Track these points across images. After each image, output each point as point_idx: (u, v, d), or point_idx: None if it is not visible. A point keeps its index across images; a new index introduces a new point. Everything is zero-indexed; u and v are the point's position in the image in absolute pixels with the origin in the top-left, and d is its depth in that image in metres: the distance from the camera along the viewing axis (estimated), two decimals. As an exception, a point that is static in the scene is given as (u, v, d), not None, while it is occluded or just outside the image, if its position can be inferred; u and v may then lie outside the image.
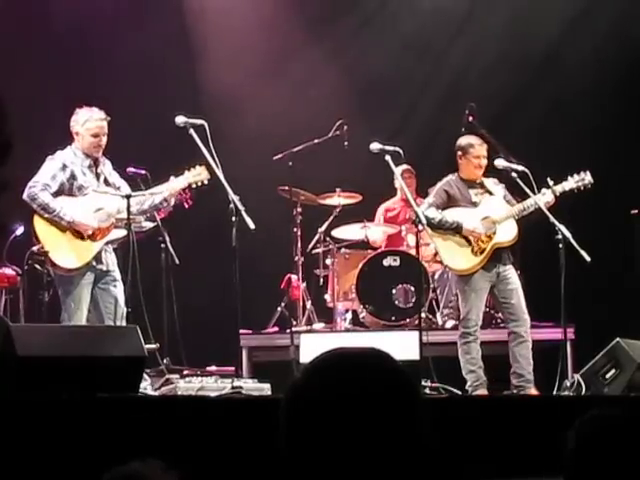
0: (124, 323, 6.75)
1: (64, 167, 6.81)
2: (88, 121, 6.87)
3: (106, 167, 7.05)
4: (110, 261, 6.96)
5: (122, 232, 6.96)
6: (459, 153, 7.39)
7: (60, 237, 6.77)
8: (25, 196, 6.73)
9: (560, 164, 9.17)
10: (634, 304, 8.49)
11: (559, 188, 7.24)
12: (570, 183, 7.29)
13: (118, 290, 6.89)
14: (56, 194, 6.78)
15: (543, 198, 7.16)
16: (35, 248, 6.89)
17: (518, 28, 9.91)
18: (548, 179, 7.23)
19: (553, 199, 7.19)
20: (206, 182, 6.96)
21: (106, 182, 7.00)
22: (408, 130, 9.90)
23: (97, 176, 6.97)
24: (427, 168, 9.34)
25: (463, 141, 7.44)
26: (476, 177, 7.39)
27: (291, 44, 10.05)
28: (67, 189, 6.82)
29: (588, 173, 7.31)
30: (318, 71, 10.28)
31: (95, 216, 6.86)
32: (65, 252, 6.79)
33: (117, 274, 6.95)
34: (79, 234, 6.83)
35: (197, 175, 6.95)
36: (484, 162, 7.35)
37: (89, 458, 4.23)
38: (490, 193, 7.39)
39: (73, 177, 6.83)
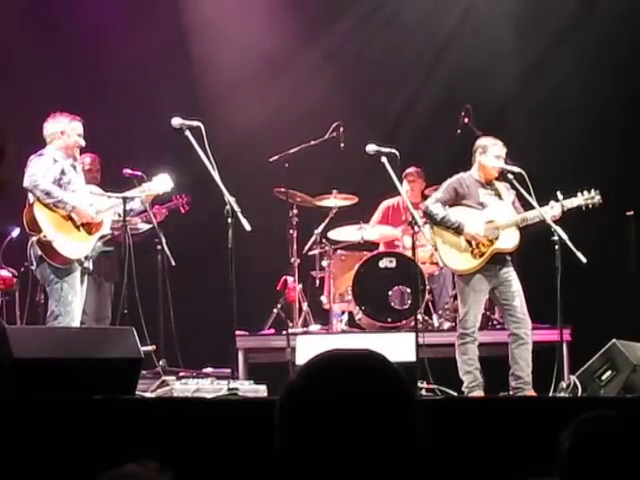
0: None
1: (55, 161, 6.95)
2: (73, 121, 7.10)
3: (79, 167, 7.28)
4: (91, 260, 7.11)
5: (107, 229, 7.18)
6: (479, 150, 7.34)
7: (62, 226, 6.85)
8: (27, 184, 6.79)
9: (556, 166, 9.22)
10: (630, 305, 8.50)
11: (567, 203, 7.23)
12: (579, 200, 7.28)
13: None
14: None
15: (550, 211, 7.15)
16: (35, 238, 6.76)
17: (517, 27, 9.92)
18: (558, 193, 7.21)
19: (560, 213, 7.19)
20: (165, 191, 7.37)
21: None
22: (405, 132, 9.91)
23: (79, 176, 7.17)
24: (423, 170, 9.37)
25: (479, 142, 7.40)
26: (491, 178, 7.35)
27: (287, 46, 10.06)
28: (57, 183, 6.90)
29: (598, 192, 7.30)
30: (314, 72, 10.29)
31: (89, 209, 7.01)
32: (68, 242, 6.86)
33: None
34: (76, 226, 6.92)
35: (163, 184, 7.30)
36: (501, 163, 7.29)
37: (85, 460, 4.23)
38: (500, 197, 7.35)
39: (63, 172, 6.97)
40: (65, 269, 6.82)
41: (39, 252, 6.79)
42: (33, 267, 6.94)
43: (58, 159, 6.97)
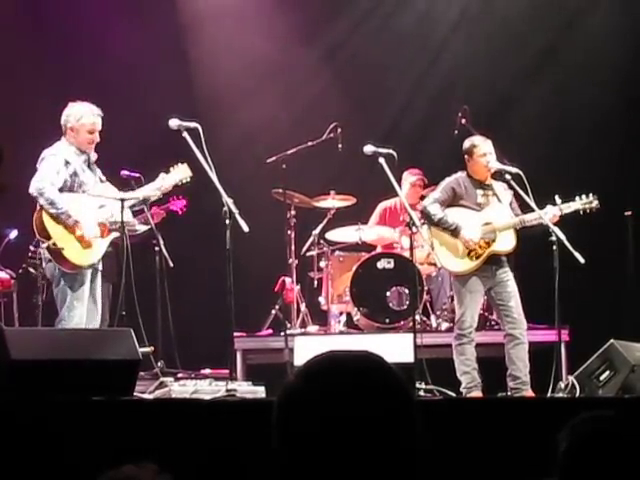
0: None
1: (67, 163, 6.79)
2: (84, 117, 6.88)
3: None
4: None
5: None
6: (466, 156, 7.37)
7: (71, 233, 6.74)
8: (32, 190, 6.66)
9: (555, 167, 9.23)
10: (628, 306, 8.50)
11: (565, 207, 7.23)
12: (577, 204, 7.28)
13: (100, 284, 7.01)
14: (60, 190, 6.73)
15: (548, 213, 7.16)
16: (45, 245, 6.72)
17: (515, 26, 9.92)
18: (556, 197, 7.22)
19: (558, 216, 7.20)
20: (188, 180, 7.20)
21: (100, 179, 7.04)
22: (402, 132, 9.91)
23: (93, 173, 7.00)
24: (422, 171, 9.36)
25: (467, 143, 7.42)
26: (485, 177, 7.36)
27: (284, 47, 10.06)
28: (69, 185, 6.78)
29: (596, 197, 7.30)
30: (312, 73, 10.29)
31: (99, 212, 6.90)
32: (79, 249, 6.76)
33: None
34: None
35: (182, 172, 7.15)
36: (492, 158, 7.31)
37: (83, 461, 4.22)
38: (497, 197, 7.36)
39: (75, 174, 6.82)
40: (73, 274, 6.75)
41: (48, 256, 6.74)
42: (43, 265, 6.92)
43: (71, 159, 6.80)
